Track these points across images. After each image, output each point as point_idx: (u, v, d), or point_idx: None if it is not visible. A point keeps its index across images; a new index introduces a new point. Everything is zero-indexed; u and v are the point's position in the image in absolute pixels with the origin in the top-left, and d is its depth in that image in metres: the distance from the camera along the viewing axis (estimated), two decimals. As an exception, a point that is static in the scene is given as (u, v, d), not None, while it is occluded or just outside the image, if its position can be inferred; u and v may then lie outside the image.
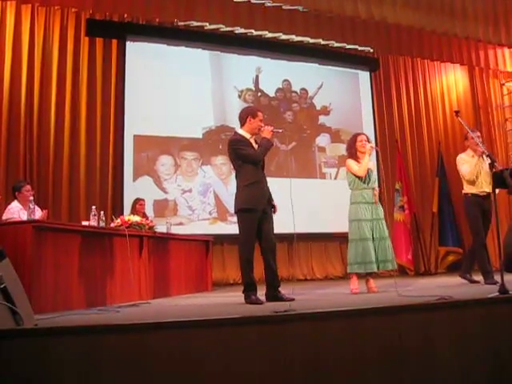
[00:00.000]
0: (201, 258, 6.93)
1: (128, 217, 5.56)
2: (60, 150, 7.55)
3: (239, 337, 2.30)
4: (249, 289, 4.22)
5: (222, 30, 8.84)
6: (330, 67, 9.73)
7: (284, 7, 8.92)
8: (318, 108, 9.55)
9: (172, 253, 6.05)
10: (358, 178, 4.93)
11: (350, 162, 5.01)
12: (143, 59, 8.26)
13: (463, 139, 5.83)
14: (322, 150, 9.44)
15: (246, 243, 4.29)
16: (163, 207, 8.05)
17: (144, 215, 6.69)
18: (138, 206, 7.00)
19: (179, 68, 8.50)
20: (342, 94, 9.78)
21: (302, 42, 9.47)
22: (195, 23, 8.57)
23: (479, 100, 11.03)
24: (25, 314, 2.42)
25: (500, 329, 2.73)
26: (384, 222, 4.92)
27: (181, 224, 7.96)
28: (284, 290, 4.39)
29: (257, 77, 9.11)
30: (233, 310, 3.57)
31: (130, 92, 8.09)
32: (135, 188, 7.80)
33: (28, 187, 5.67)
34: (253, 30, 9.02)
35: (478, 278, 5.30)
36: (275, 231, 4.43)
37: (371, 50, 10.15)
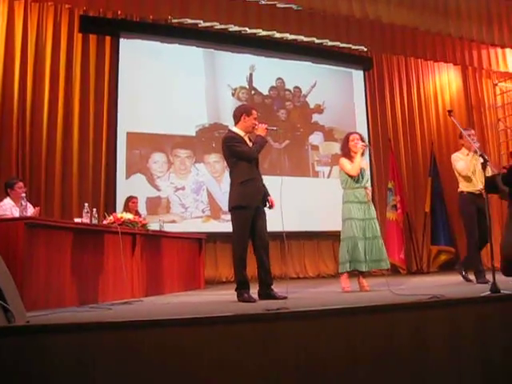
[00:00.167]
0: (193, 255, 6.92)
1: (121, 214, 5.54)
2: (53, 147, 7.52)
3: (232, 335, 2.29)
4: (241, 287, 4.22)
5: (216, 27, 8.83)
6: (323, 66, 9.73)
7: (278, 5, 8.95)
8: (312, 106, 9.56)
9: (165, 250, 6.04)
10: (351, 177, 4.94)
11: (343, 161, 5.01)
12: (137, 56, 8.24)
13: (456, 139, 5.85)
14: (315, 148, 9.45)
15: (240, 241, 4.28)
16: (156, 205, 8.03)
17: (137, 213, 6.68)
18: (130, 203, 6.99)
19: (173, 65, 8.47)
20: (336, 92, 9.79)
21: (295, 40, 9.48)
22: (189, 21, 8.55)
23: (472, 100, 11.08)
24: (17, 311, 2.40)
25: (492, 327, 2.75)
26: (376, 221, 4.93)
27: (174, 222, 7.95)
28: (277, 288, 4.38)
29: (250, 75, 9.10)
30: (225, 308, 3.56)
31: (123, 89, 8.07)
32: (128, 185, 7.78)
33: (20, 184, 5.66)
34: (247, 28, 9.02)
35: (471, 277, 5.33)
36: (268, 229, 4.43)
37: (365, 49, 10.17)
